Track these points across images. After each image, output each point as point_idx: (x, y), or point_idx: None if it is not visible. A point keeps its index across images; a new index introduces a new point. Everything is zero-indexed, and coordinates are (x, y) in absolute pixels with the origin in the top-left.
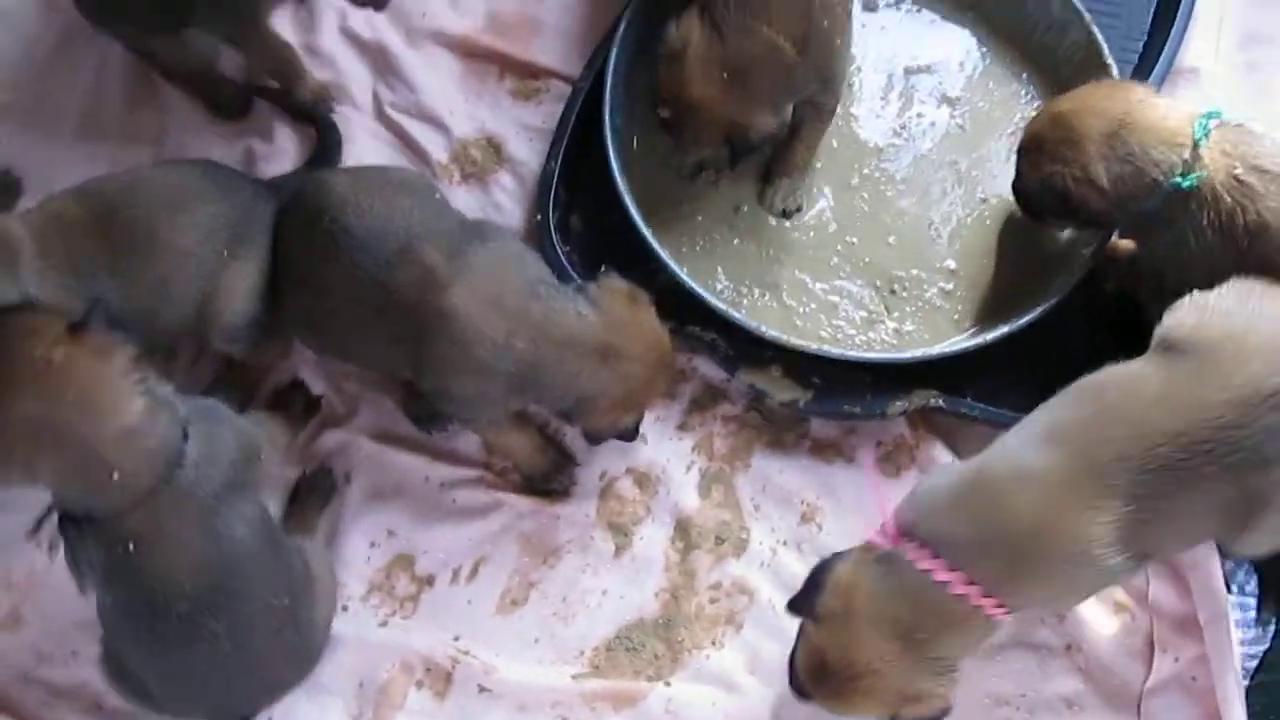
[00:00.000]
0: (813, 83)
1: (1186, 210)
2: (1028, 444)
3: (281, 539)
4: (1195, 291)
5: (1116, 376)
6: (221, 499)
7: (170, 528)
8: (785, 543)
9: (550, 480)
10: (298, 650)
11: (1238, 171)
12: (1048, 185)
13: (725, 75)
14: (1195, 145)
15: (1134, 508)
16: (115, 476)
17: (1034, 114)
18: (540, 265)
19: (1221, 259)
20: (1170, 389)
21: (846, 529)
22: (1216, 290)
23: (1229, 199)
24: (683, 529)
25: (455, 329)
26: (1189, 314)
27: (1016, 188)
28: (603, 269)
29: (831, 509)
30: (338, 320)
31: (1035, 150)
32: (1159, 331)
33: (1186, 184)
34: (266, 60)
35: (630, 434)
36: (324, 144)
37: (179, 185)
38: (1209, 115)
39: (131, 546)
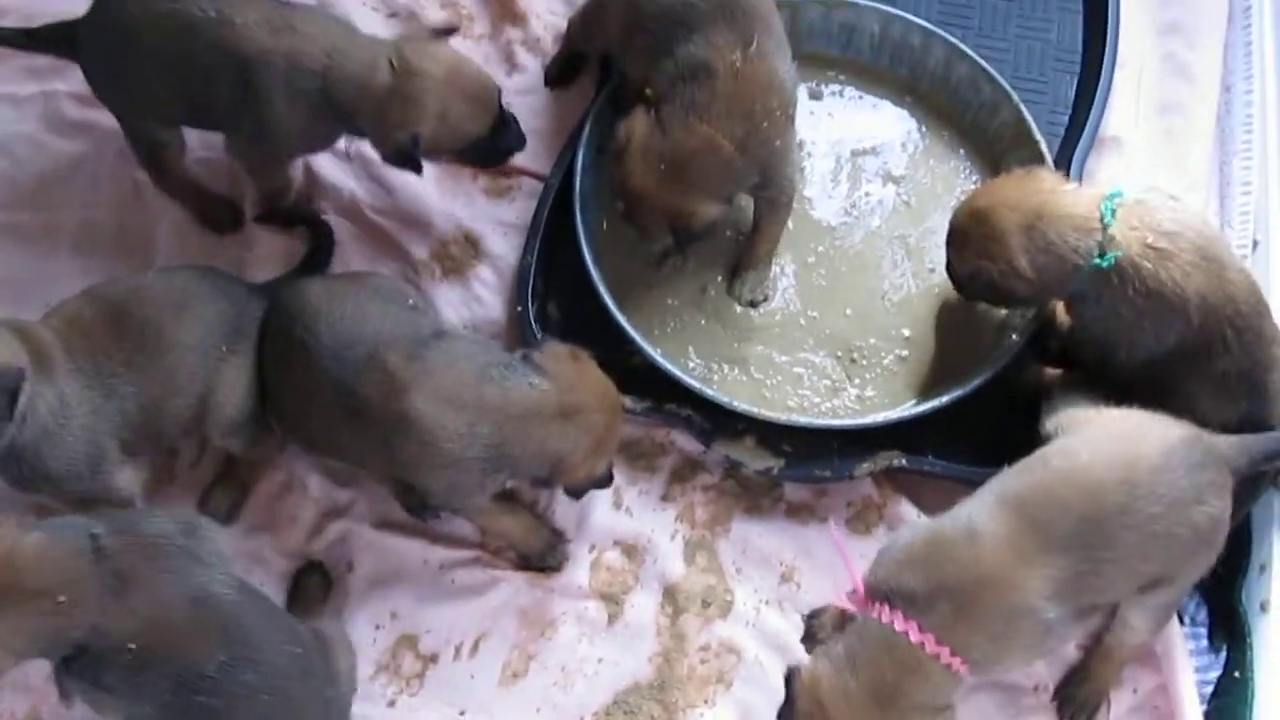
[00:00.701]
0: (754, 176)
1: (1110, 285)
2: (979, 508)
3: (272, 606)
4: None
5: (1055, 448)
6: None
7: (149, 609)
8: (768, 602)
9: (545, 558)
10: (332, 700)
11: (1149, 240)
12: (976, 277)
13: (664, 167)
14: (1105, 226)
15: (1074, 559)
16: (62, 599)
17: (972, 188)
18: (489, 351)
19: (1160, 318)
20: (1105, 452)
21: (823, 585)
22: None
23: (1149, 265)
24: (671, 595)
25: (420, 430)
26: (1074, 415)
27: (950, 274)
28: (540, 337)
29: (808, 568)
30: (316, 423)
31: (961, 245)
32: (1054, 424)
33: (1105, 263)
34: (268, 186)
35: (607, 480)
36: (317, 247)
37: (181, 287)
38: (1112, 196)
39: (133, 645)
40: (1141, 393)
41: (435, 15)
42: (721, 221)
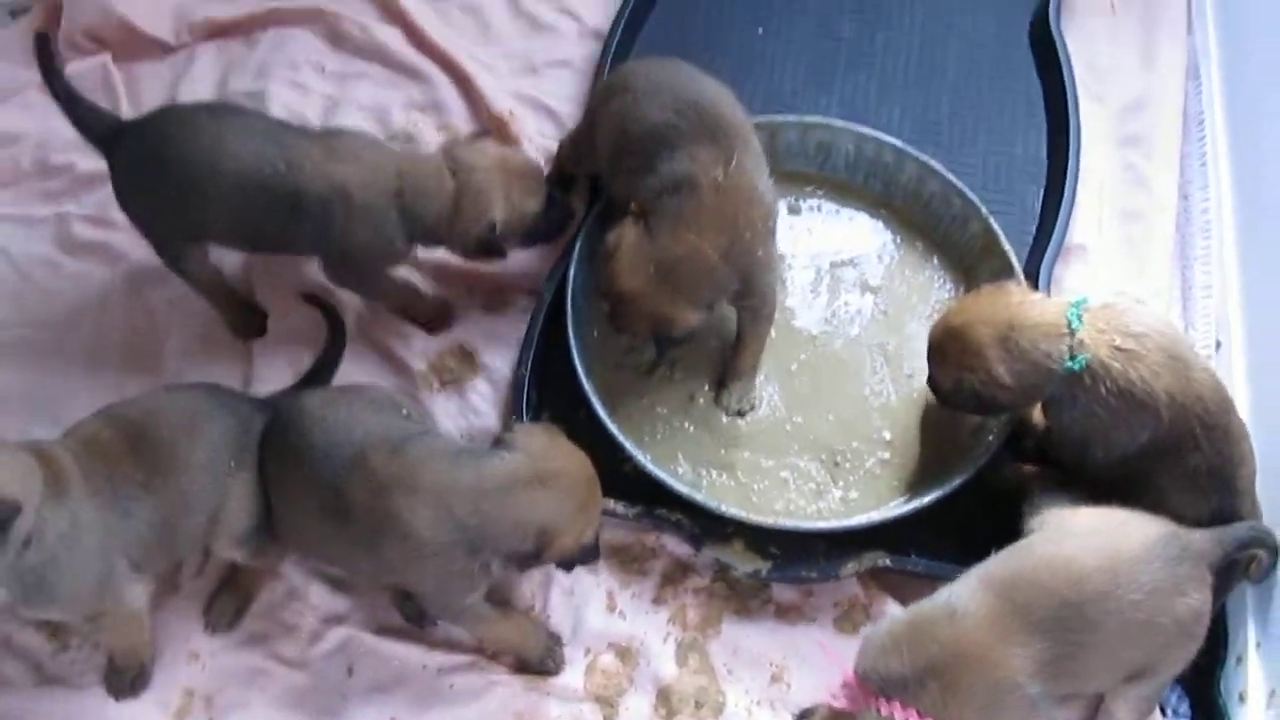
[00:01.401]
0: (735, 284)
1: (1084, 386)
2: (960, 589)
3: None
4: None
5: (1041, 536)
6: None
7: None
8: (759, 702)
9: (543, 661)
10: None
11: (1116, 342)
12: (959, 389)
13: (652, 271)
14: (1073, 331)
15: (1054, 642)
16: None
17: (945, 300)
18: (468, 446)
19: (1132, 416)
20: (1090, 545)
21: (813, 684)
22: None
23: (1118, 365)
24: (664, 696)
25: (400, 524)
26: (1057, 514)
27: (932, 388)
28: (511, 419)
29: (798, 667)
30: (309, 528)
31: (941, 361)
32: (1037, 523)
33: (1076, 366)
34: (375, 294)
35: (594, 550)
36: (323, 359)
37: (192, 408)
38: (1078, 303)
39: None
40: (1117, 489)
41: (433, 137)
42: (706, 332)
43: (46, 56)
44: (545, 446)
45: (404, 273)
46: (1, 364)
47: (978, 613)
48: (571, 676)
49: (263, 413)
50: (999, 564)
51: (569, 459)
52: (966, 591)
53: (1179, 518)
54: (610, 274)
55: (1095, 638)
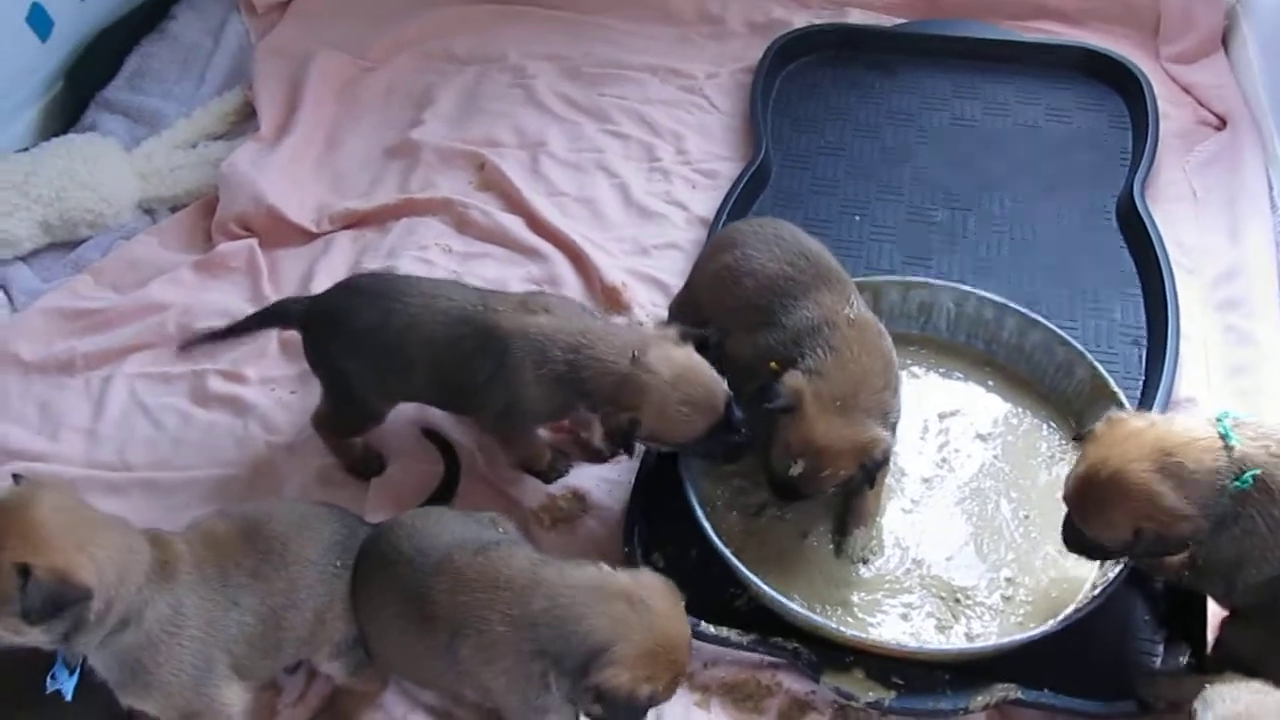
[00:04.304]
0: (893, 400)
1: (1251, 501)
2: None
3: None
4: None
5: None
6: None
7: None
8: None
9: None
10: None
11: (1272, 449)
12: (1144, 541)
13: (838, 404)
14: (1229, 446)
15: None
16: None
17: (1058, 444)
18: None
19: None
20: None
21: None
22: (1232, 685)
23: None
24: None
25: (477, 619)
26: (1229, 703)
27: (1083, 547)
28: (624, 551)
29: None
30: (393, 640)
31: (1103, 518)
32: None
33: (1245, 483)
34: (520, 455)
35: (639, 708)
36: (438, 495)
37: (304, 510)
38: (1221, 417)
39: None
40: (1265, 614)
41: (518, 287)
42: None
43: (223, 334)
44: (653, 584)
45: None
46: (129, 498)
47: None
48: None
49: (367, 528)
50: None
51: (669, 604)
52: None
53: None
54: (803, 431)
55: None
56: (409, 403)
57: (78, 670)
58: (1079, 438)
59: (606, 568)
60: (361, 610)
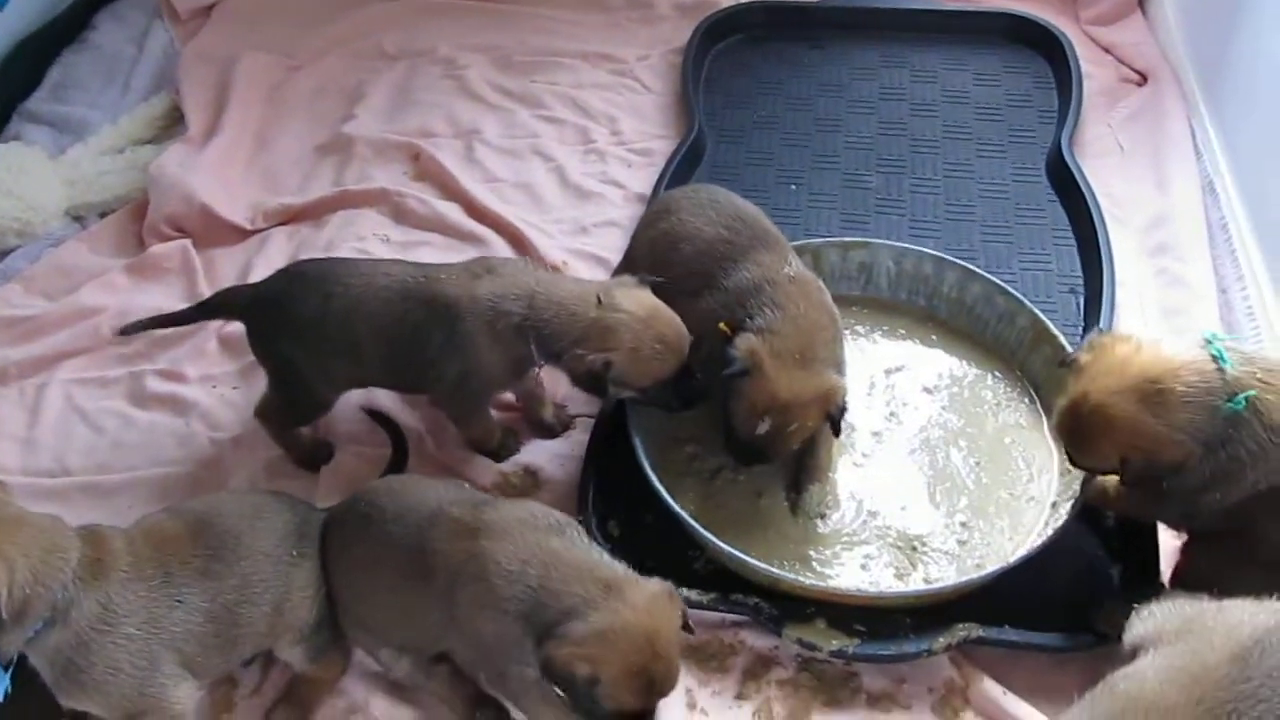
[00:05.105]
0: (841, 351)
1: (1242, 425)
2: None
3: None
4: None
5: (1120, 674)
6: None
7: None
8: None
9: None
10: None
11: (1258, 375)
12: (1131, 464)
13: (797, 358)
14: (1223, 369)
15: None
16: None
17: (1004, 393)
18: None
19: (1270, 456)
20: (1172, 667)
21: None
22: (1150, 604)
23: (1271, 398)
24: None
25: (480, 565)
26: (1145, 620)
27: (1085, 468)
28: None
29: None
30: (375, 599)
31: (1091, 448)
32: (1129, 641)
33: (1239, 405)
34: (474, 433)
35: (578, 688)
36: (393, 463)
37: (255, 501)
38: (1212, 339)
39: None
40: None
41: None
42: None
43: (164, 320)
44: (646, 585)
45: None
46: (70, 503)
47: None
48: None
49: (320, 513)
50: (1087, 711)
51: (651, 604)
52: None
53: None
54: (768, 389)
55: None
56: (358, 389)
57: (10, 670)
58: (1064, 364)
59: (608, 557)
60: (340, 575)
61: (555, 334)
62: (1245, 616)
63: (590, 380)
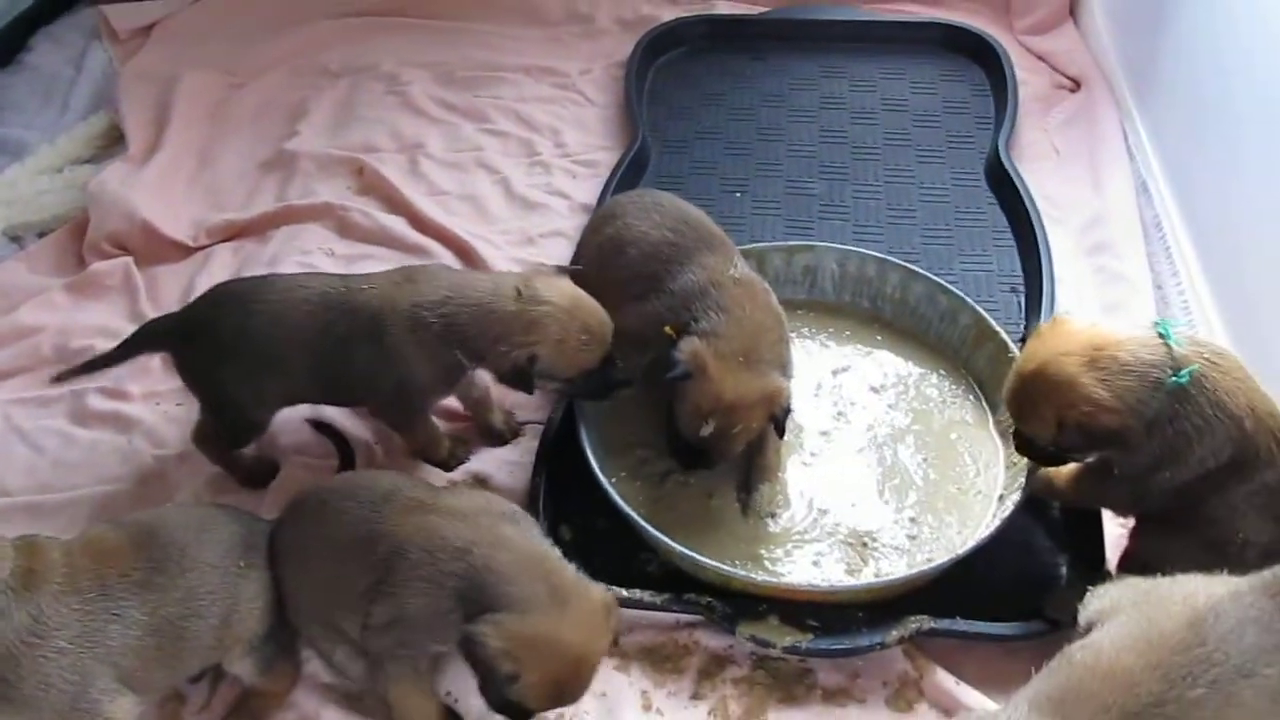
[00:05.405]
0: (787, 352)
1: (1187, 400)
2: (1015, 718)
3: None
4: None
5: (1076, 646)
6: None
7: None
8: None
9: None
10: None
11: (1206, 355)
12: (1066, 429)
13: (742, 360)
14: (1170, 346)
15: None
16: None
17: (949, 390)
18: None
19: (1220, 429)
20: (1126, 635)
21: None
22: (1106, 585)
23: (1215, 375)
24: None
25: (426, 539)
26: (1100, 598)
27: (1024, 449)
28: None
29: None
30: (316, 569)
31: (1032, 412)
32: (1085, 618)
33: (1184, 379)
34: (419, 441)
35: (495, 677)
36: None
37: (201, 513)
38: (1162, 323)
39: None
40: (1180, 520)
41: None
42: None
43: (94, 365)
44: (589, 594)
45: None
46: (11, 523)
47: None
48: None
49: (266, 524)
50: (1044, 681)
51: (586, 617)
52: (1021, 719)
53: (1245, 545)
54: (712, 391)
55: None
56: (293, 406)
57: None
58: (1025, 339)
59: (559, 554)
60: (290, 560)
61: (476, 335)
62: (1200, 586)
63: (515, 376)
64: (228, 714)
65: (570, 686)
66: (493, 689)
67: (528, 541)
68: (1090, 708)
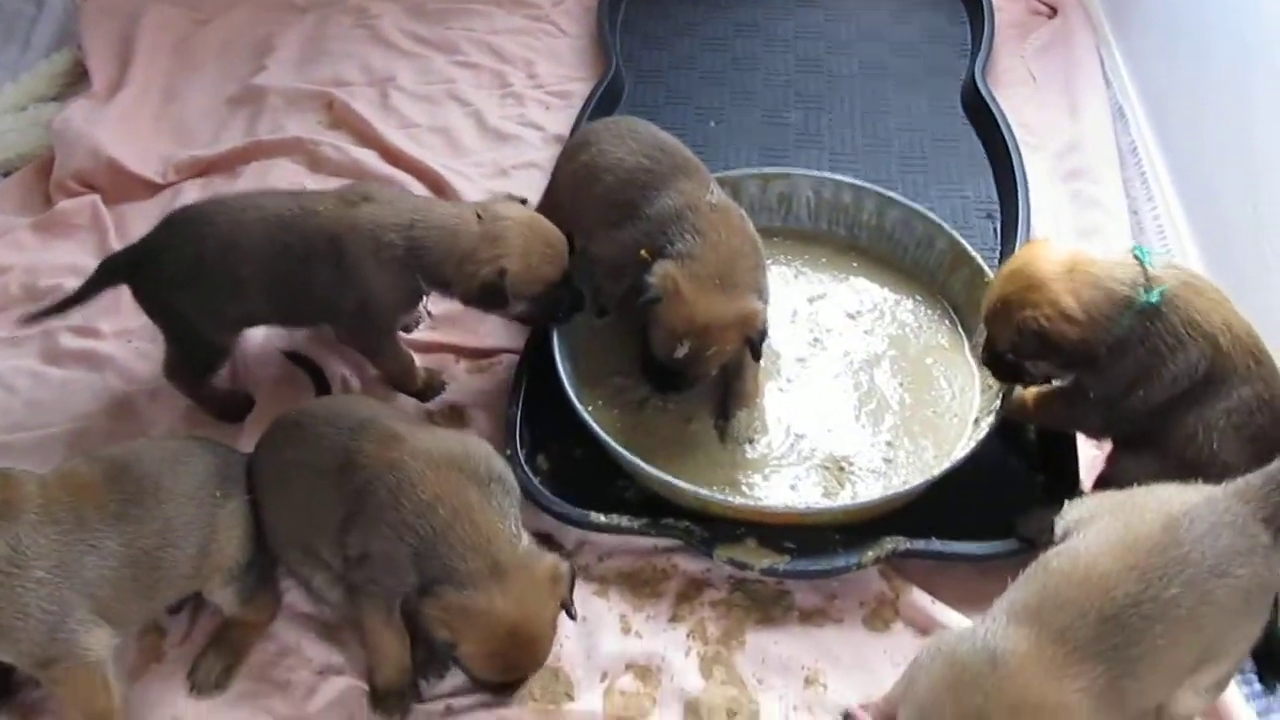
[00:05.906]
0: (763, 279)
1: (1159, 319)
2: (993, 629)
3: None
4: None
5: (1053, 552)
6: None
7: None
8: (796, 708)
9: (387, 698)
10: None
11: (1182, 277)
12: (1024, 331)
13: (717, 283)
14: (1145, 267)
15: (1107, 664)
16: None
17: (925, 316)
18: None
19: (1194, 347)
20: (1103, 541)
21: (851, 683)
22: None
23: (1188, 296)
24: (694, 710)
25: (396, 482)
26: (1077, 507)
27: (988, 359)
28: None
29: (832, 668)
30: (293, 494)
31: (1001, 310)
32: (1061, 528)
33: (1155, 298)
34: (391, 367)
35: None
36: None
37: (176, 445)
38: (1140, 248)
39: None
40: (1154, 440)
41: None
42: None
43: (62, 305)
44: (537, 569)
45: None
46: None
47: (1017, 651)
48: (589, 701)
49: (242, 456)
50: (1020, 589)
51: (528, 592)
52: (999, 629)
53: (1223, 465)
54: (685, 312)
55: (1144, 648)
56: (252, 327)
57: None
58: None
59: (513, 527)
60: (268, 483)
61: (442, 257)
62: (1175, 494)
63: (487, 292)
64: (207, 645)
65: (514, 657)
66: (440, 654)
67: (486, 513)
68: (1068, 613)
